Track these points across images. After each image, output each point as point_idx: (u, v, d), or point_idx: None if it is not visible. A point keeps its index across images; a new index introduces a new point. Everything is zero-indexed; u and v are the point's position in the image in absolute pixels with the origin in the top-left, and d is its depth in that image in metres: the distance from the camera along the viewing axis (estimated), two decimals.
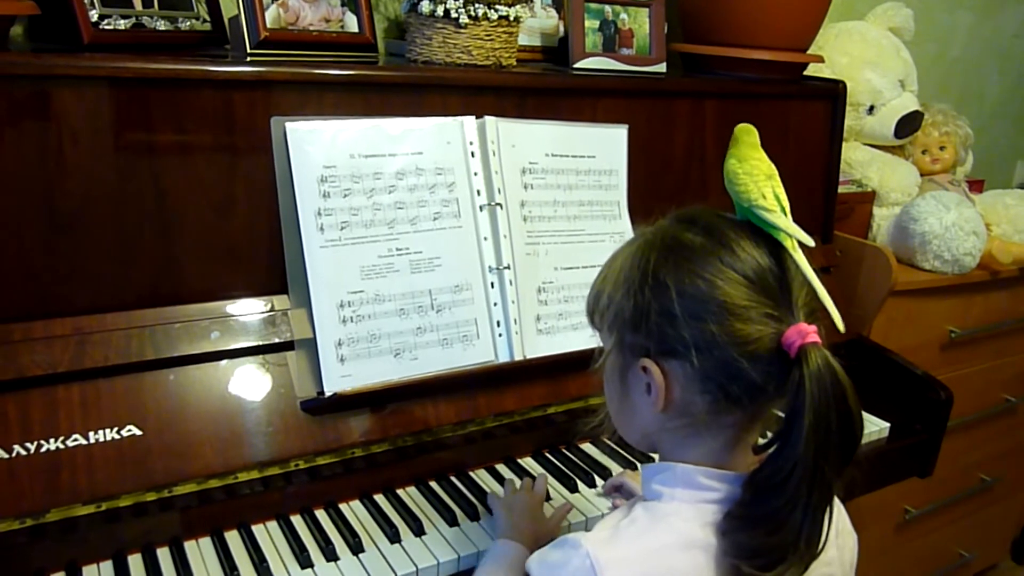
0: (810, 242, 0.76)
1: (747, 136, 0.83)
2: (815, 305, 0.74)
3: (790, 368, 0.70)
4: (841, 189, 1.83)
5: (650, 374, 0.75)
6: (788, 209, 0.78)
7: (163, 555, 1.00)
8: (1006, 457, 2.23)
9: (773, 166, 0.82)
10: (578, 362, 1.27)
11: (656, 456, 0.83)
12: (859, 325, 1.71)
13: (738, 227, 0.77)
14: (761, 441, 0.78)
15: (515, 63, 1.37)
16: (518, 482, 1.14)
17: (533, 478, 1.17)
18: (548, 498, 1.15)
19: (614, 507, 1.13)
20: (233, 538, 1.04)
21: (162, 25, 1.15)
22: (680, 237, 0.76)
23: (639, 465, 1.25)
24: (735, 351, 0.71)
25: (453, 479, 1.19)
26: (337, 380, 1.10)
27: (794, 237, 0.75)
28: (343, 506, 1.11)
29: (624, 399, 0.80)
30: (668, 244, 0.76)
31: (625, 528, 0.76)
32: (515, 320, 1.23)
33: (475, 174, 1.22)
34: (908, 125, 1.97)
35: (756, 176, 0.79)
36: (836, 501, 0.83)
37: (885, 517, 1.97)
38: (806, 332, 0.70)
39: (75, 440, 0.97)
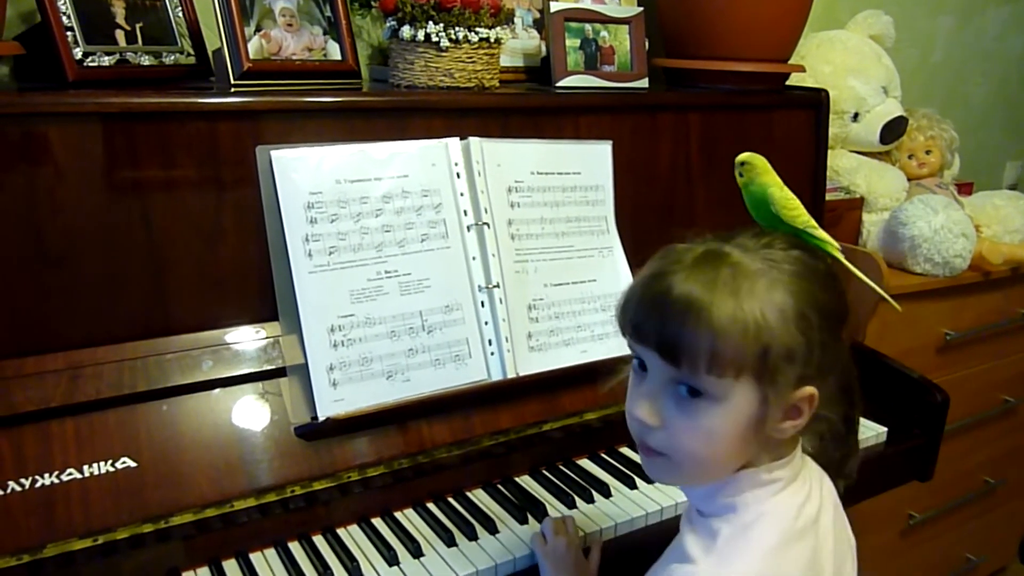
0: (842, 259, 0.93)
1: (765, 164, 0.92)
2: None
3: None
4: (829, 196, 1.84)
5: (807, 399, 0.76)
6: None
7: None
8: (1009, 458, 2.22)
9: None
10: (571, 378, 1.29)
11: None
12: (853, 331, 1.71)
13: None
14: None
15: (498, 84, 1.39)
16: (551, 524, 1.08)
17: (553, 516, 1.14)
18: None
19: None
20: (231, 567, 1.04)
21: (146, 60, 1.17)
22: (813, 265, 0.78)
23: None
24: (847, 355, 0.81)
25: (450, 500, 1.19)
26: (330, 404, 1.10)
27: (839, 250, 0.91)
28: (340, 531, 1.11)
29: (744, 437, 0.76)
30: (812, 274, 0.76)
31: (724, 545, 0.76)
32: (507, 338, 1.23)
33: (461, 195, 1.23)
34: (893, 131, 1.98)
35: (795, 201, 0.91)
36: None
37: (889, 523, 1.97)
38: None
39: (70, 474, 0.97)
